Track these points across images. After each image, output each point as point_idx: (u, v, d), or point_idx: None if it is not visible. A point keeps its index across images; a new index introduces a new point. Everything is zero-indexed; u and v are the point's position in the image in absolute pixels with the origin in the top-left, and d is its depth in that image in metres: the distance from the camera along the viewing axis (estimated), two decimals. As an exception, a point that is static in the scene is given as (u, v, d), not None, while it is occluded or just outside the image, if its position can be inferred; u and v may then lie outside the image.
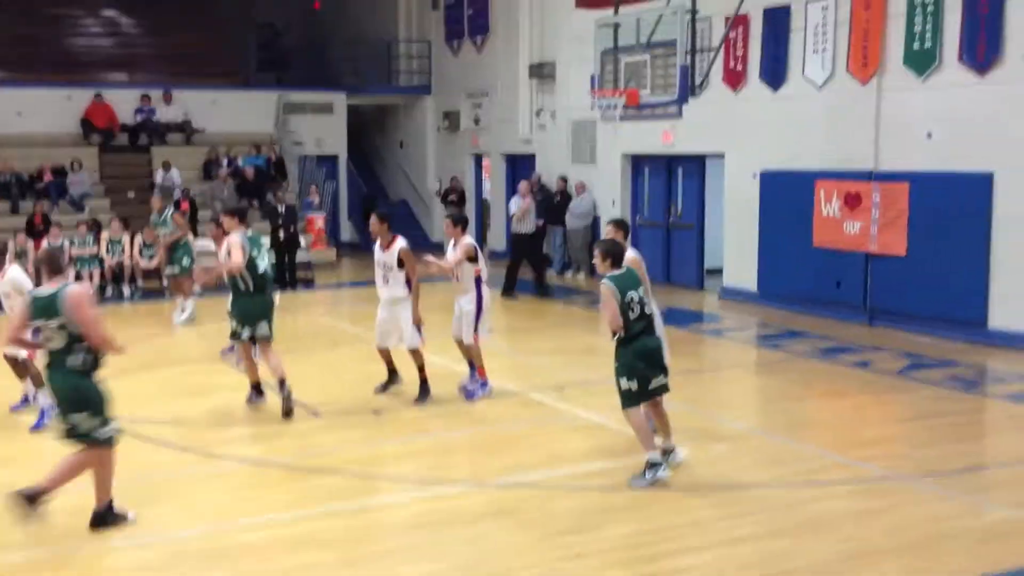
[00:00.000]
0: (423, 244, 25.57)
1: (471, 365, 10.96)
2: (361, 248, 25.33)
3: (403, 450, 9.24)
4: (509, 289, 17.78)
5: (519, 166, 23.38)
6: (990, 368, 12.22)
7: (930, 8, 13.78)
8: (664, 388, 8.25)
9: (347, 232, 26.05)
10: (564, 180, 20.72)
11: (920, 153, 14.07)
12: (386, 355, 10.83)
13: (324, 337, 14.77)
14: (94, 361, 7.19)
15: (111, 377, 11.65)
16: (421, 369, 10.60)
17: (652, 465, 7.99)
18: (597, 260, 8.28)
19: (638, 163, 19.67)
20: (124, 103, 23.21)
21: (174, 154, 22.72)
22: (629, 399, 8.04)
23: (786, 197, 15.98)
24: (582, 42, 18.87)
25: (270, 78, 28.34)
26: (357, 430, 9.80)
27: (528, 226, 18.27)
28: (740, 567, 6.52)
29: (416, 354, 10.56)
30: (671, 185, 19.05)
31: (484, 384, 10.86)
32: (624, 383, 8.01)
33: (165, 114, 23.56)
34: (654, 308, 8.36)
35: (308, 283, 20.00)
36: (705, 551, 6.76)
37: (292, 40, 32.30)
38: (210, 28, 29.20)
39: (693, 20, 14.23)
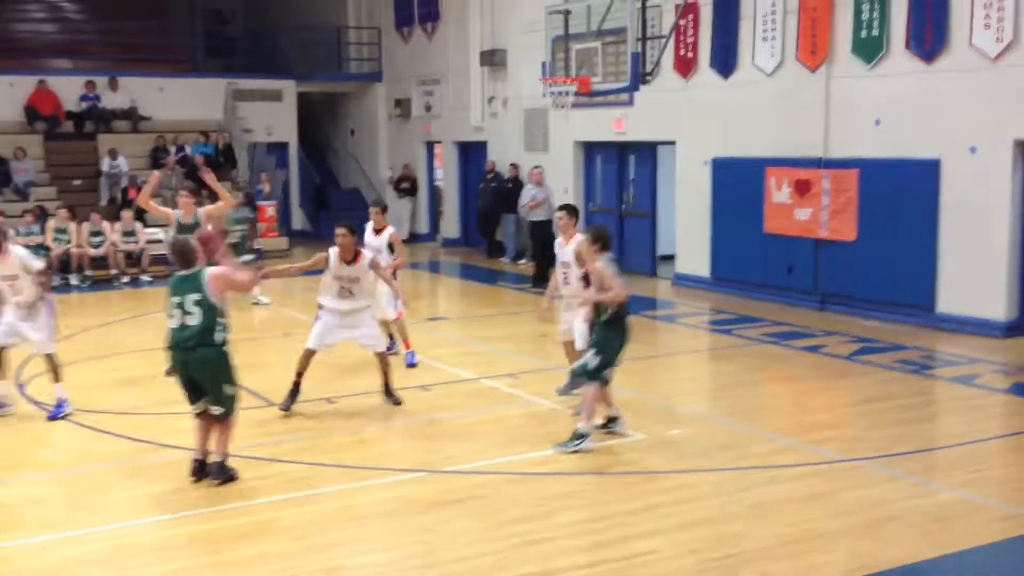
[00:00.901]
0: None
1: (391, 339, 11.64)
2: (312, 236, 25.16)
3: (355, 438, 9.18)
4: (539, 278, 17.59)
5: (471, 153, 23.34)
6: (938, 351, 12.40)
7: (878, -4, 13.94)
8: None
9: (298, 220, 25.84)
10: (516, 167, 20.71)
11: (869, 140, 14.23)
12: (307, 361, 9.93)
13: (275, 326, 14.64)
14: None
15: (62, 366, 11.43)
16: (387, 375, 10.03)
17: (581, 435, 8.48)
18: (586, 245, 8.75)
19: (590, 150, 19.69)
20: (69, 90, 22.79)
21: (120, 141, 22.36)
22: (589, 374, 8.53)
23: (737, 184, 16.09)
24: (533, 29, 18.83)
25: (218, 65, 27.97)
26: (309, 419, 9.73)
27: (540, 214, 17.99)
28: (694, 551, 6.56)
29: (384, 360, 10.01)
30: (623, 172, 19.11)
31: (412, 353, 11.68)
32: (592, 358, 8.53)
33: (111, 101, 23.16)
34: None
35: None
36: (660, 535, 6.79)
37: (240, 27, 31.97)
38: (156, 14, 28.79)
39: (644, 7, 14.27)
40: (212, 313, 7.71)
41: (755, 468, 8.13)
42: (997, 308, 12.89)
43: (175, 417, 9.69)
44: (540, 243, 17.83)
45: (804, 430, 9.17)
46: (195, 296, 7.69)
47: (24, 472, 8.37)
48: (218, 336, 7.76)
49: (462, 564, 6.42)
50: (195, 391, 7.87)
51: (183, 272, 7.88)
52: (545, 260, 17.58)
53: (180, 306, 7.71)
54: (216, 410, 7.86)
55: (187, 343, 7.69)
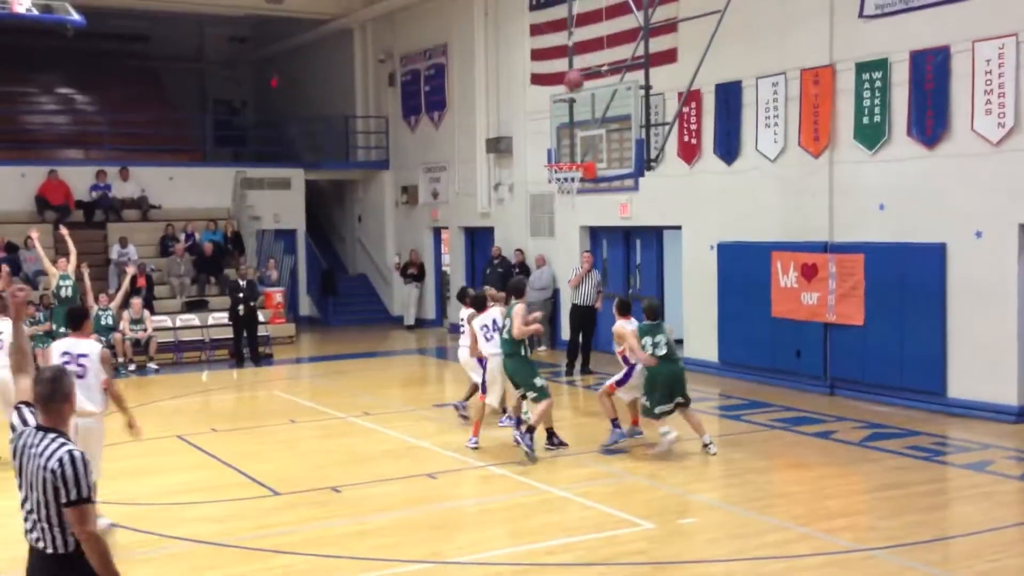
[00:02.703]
0: (383, 318, 25.55)
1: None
2: (320, 322, 25.20)
3: (361, 528, 9.05)
4: (570, 367, 17.36)
5: (478, 239, 23.48)
6: (950, 437, 12.26)
7: (878, 84, 14.10)
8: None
9: (306, 307, 25.90)
10: (521, 252, 20.80)
11: (873, 224, 14.28)
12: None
13: (282, 413, 14.56)
14: None
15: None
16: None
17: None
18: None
19: (596, 235, 19.79)
20: (80, 180, 23.05)
21: (130, 230, 22.55)
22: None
23: (744, 268, 16.12)
24: (538, 117, 19.10)
25: (227, 154, 28.35)
26: (315, 508, 9.61)
27: (581, 297, 17.47)
28: (709, 644, 6.40)
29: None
30: (630, 257, 19.17)
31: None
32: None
33: (122, 190, 23.41)
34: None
35: (266, 358, 19.79)
36: (673, 628, 6.64)
37: (250, 117, 32.50)
38: (167, 105, 29.30)
39: (647, 95, 14.43)
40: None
41: (769, 558, 7.99)
42: (1008, 393, 12.77)
43: (178, 507, 9.62)
44: (576, 329, 17.50)
45: (818, 518, 9.02)
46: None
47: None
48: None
49: (471, 660, 6.27)
50: None
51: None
52: (578, 347, 17.44)
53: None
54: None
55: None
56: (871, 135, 14.25)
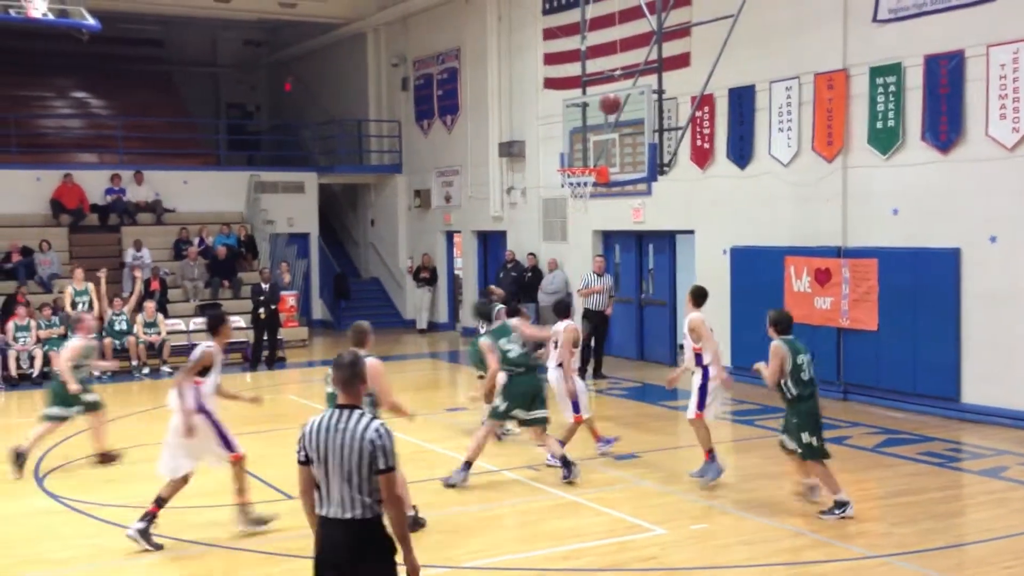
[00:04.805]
0: (395, 321, 25.57)
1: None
2: (332, 326, 25.24)
3: (375, 533, 9.04)
4: (582, 371, 17.00)
5: (491, 243, 23.49)
6: (965, 443, 12.21)
7: (892, 88, 14.06)
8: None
9: (318, 310, 25.95)
10: (534, 256, 20.80)
11: (887, 229, 14.23)
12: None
13: (294, 417, 14.55)
14: None
15: (75, 458, 11.41)
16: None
17: (840, 504, 9.05)
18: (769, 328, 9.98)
19: (609, 239, 19.78)
20: (94, 184, 23.14)
21: (144, 233, 22.62)
22: (812, 452, 9.15)
23: (757, 273, 16.08)
24: (551, 121, 19.11)
25: (241, 158, 28.45)
26: (328, 513, 9.60)
27: (594, 302, 17.40)
28: (721, 651, 6.38)
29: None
30: (642, 261, 19.15)
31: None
32: (806, 437, 9.15)
33: (136, 194, 23.50)
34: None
35: (279, 361, 19.83)
36: (685, 635, 6.63)
37: (263, 121, 32.63)
38: (181, 109, 29.41)
39: (660, 100, 14.42)
40: None
41: (782, 564, 7.96)
42: (1023, 399, 12.71)
43: (190, 511, 9.63)
44: (588, 333, 17.16)
45: (831, 525, 8.98)
46: None
47: (36, 569, 8.26)
48: None
49: (482, 665, 6.27)
50: None
51: None
52: (590, 351, 17.30)
53: None
54: None
55: None
56: (885, 140, 14.21)
